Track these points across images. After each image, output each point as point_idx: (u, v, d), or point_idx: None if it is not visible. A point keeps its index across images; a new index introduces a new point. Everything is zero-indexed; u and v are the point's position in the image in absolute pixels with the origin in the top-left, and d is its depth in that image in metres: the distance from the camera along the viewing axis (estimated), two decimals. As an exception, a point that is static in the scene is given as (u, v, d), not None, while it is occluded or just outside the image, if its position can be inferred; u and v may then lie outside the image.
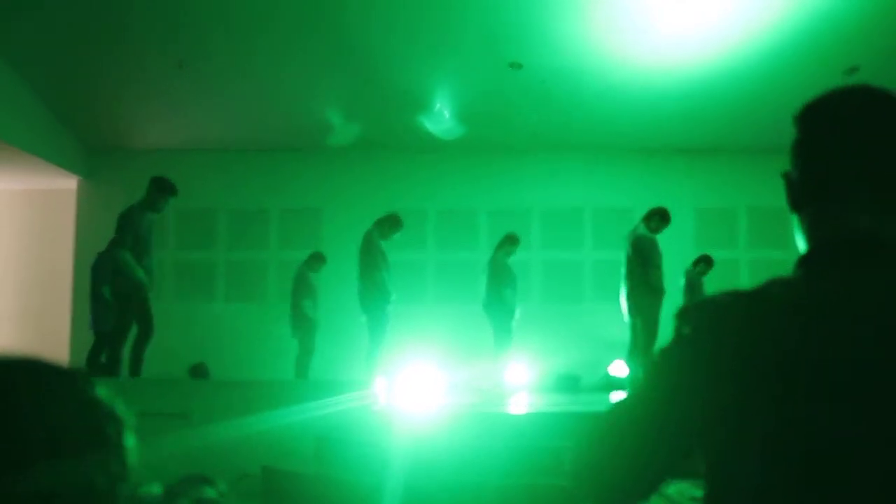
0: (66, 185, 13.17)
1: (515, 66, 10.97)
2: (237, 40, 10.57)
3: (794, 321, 1.16)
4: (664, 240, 8.41)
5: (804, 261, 1.25)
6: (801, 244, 1.30)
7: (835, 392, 1.11)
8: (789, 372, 1.12)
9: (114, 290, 8.24)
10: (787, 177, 1.34)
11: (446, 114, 11.67)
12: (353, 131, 10.61)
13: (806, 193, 1.31)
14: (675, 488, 2.18)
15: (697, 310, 1.24)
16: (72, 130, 12.60)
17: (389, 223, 8.66)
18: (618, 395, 7.93)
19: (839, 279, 1.19)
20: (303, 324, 10.27)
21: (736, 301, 1.21)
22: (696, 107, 11.56)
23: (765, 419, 1.13)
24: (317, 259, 10.71)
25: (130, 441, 0.95)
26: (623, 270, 8.26)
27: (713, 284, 10.89)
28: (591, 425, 1.29)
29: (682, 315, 1.25)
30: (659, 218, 8.37)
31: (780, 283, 1.22)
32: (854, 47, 10.26)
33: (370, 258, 8.36)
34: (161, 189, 8.03)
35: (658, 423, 1.23)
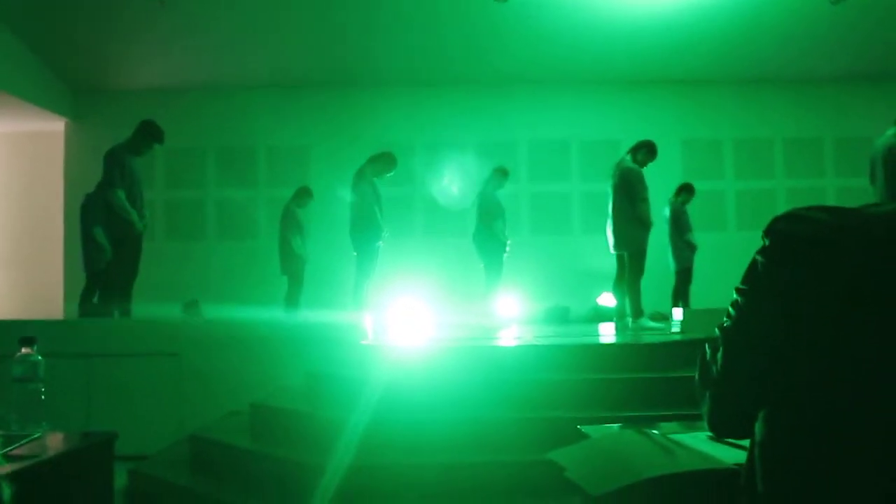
0: (53, 127, 13.10)
1: (501, -2, 10.85)
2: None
3: (883, 239, 1.16)
4: (651, 171, 8.35)
5: None
6: None
7: None
8: (872, 291, 1.14)
9: (107, 231, 8.22)
10: None
11: None
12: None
13: None
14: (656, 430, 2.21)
15: (782, 222, 1.24)
16: (58, 73, 12.50)
17: (384, 161, 8.60)
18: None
19: None
20: (292, 260, 10.24)
21: (824, 215, 1.20)
22: (683, 38, 11.46)
23: (845, 341, 1.16)
24: (304, 194, 10.57)
25: None
26: (609, 203, 8.20)
27: (699, 214, 10.91)
28: (703, 352, 1.41)
29: (768, 231, 1.25)
30: (646, 150, 8.21)
31: (873, 206, 1.23)
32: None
33: (362, 193, 8.34)
34: (147, 134, 7.94)
35: (749, 343, 1.27)
